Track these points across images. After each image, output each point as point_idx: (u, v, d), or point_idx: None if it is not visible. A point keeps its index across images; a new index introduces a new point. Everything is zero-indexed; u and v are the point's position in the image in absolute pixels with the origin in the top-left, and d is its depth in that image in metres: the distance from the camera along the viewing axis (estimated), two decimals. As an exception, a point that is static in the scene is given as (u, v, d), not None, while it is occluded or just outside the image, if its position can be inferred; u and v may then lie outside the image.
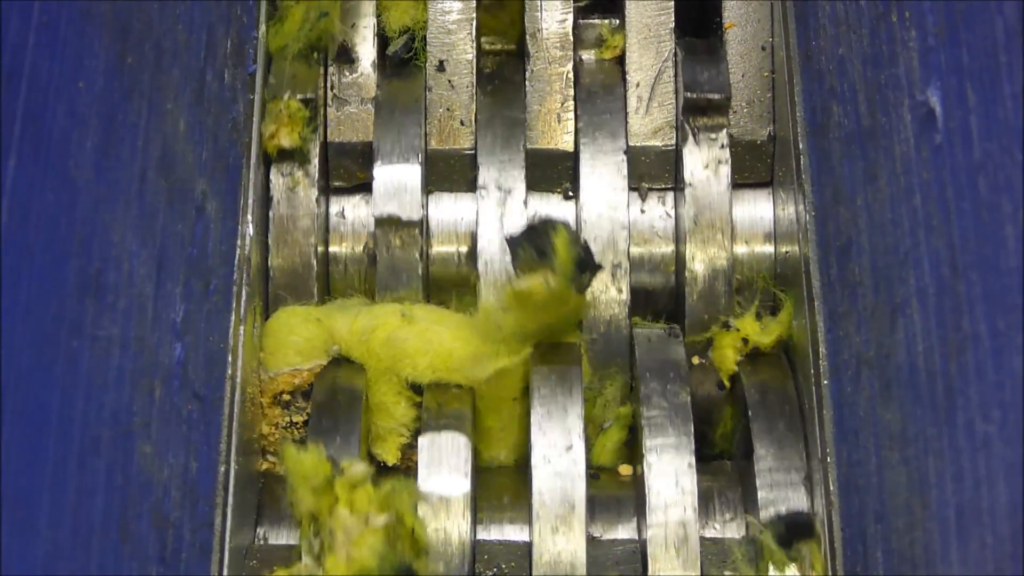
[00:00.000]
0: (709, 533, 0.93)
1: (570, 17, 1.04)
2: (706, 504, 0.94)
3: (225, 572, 0.88)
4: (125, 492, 0.79)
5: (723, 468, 0.97)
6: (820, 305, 0.92)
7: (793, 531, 0.89)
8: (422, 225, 0.99)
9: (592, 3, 1.05)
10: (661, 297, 1.02)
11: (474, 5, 1.04)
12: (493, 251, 0.99)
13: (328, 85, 1.02)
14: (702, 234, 0.98)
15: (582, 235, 0.98)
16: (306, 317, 0.97)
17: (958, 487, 0.73)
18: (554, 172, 1.02)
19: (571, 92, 1.03)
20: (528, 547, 0.92)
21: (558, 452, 0.91)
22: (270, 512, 0.96)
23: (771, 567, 0.89)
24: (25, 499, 0.69)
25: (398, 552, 0.83)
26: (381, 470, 0.97)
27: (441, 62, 1.03)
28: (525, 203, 1.00)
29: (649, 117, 1.03)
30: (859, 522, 0.85)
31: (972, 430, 0.72)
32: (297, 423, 0.97)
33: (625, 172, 1.00)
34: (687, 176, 0.99)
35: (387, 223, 0.99)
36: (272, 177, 1.00)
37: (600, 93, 1.03)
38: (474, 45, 1.03)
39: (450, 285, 1.02)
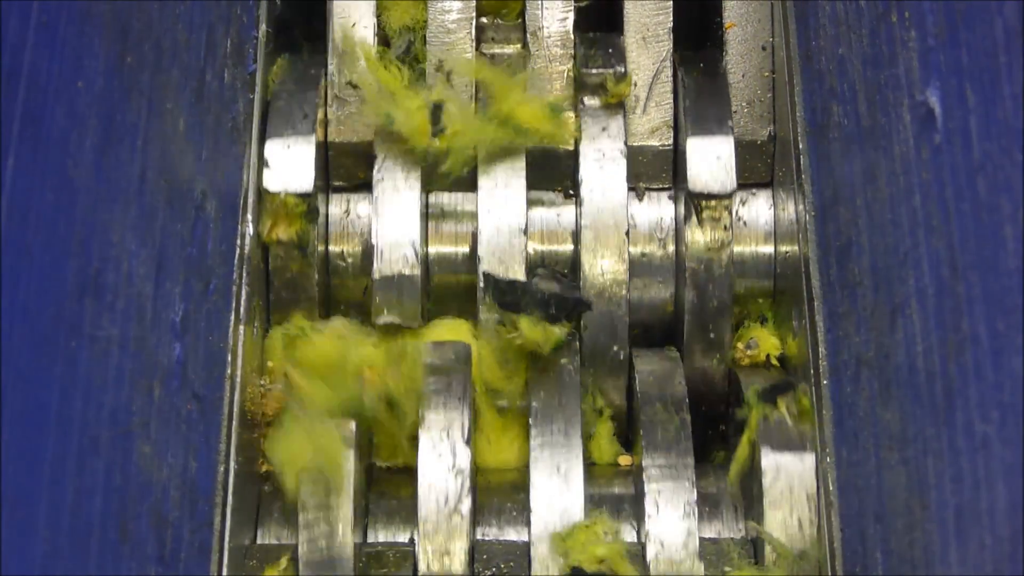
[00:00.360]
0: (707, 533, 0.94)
1: (571, 16, 1.04)
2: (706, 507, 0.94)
3: (224, 572, 0.88)
4: (124, 492, 0.79)
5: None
6: (820, 305, 0.92)
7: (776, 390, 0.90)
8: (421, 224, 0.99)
9: (592, 4, 1.05)
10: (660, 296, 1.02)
11: (473, 5, 1.04)
12: (493, 251, 0.99)
13: (328, 85, 1.02)
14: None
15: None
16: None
17: (957, 488, 0.73)
18: (554, 170, 1.02)
19: (571, 90, 1.03)
20: (527, 547, 0.92)
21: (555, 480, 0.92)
22: (270, 512, 0.96)
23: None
24: (24, 499, 0.69)
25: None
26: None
27: (441, 62, 1.03)
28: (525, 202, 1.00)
29: (647, 117, 1.03)
30: (858, 522, 0.85)
31: (971, 431, 0.72)
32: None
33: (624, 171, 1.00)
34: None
35: (386, 223, 0.99)
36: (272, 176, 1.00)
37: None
38: (474, 44, 1.03)
39: (450, 285, 1.02)
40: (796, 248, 0.96)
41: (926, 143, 0.79)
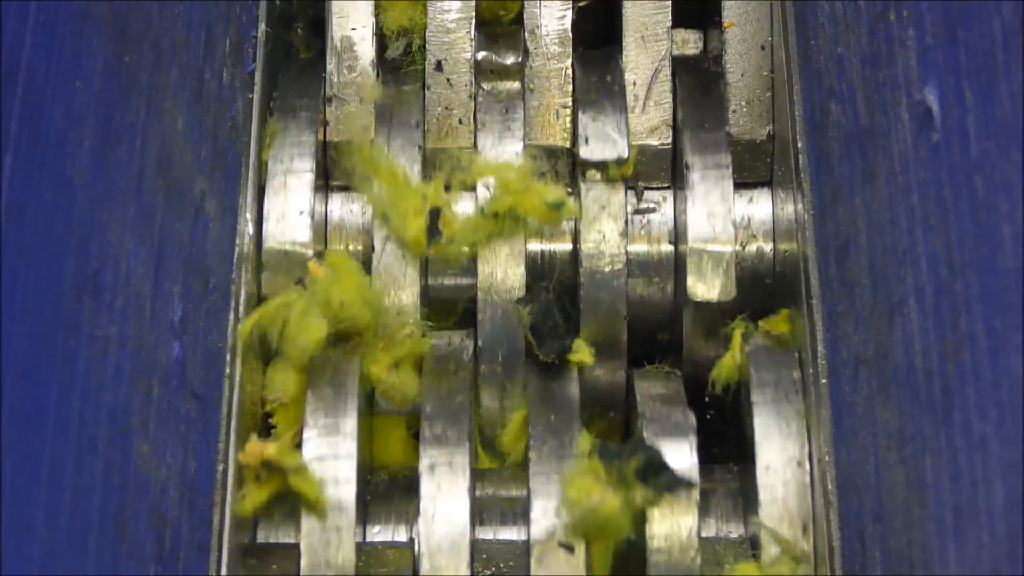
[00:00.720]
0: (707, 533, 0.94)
1: (569, 14, 1.04)
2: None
3: (224, 571, 0.88)
4: (123, 491, 0.79)
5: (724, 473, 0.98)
6: (818, 304, 0.92)
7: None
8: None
9: (591, 3, 1.06)
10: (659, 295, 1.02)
11: (473, 4, 1.04)
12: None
13: (328, 84, 1.02)
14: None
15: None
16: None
17: (955, 486, 0.73)
18: (554, 169, 1.02)
19: (569, 88, 1.03)
20: (526, 546, 0.92)
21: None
22: (269, 511, 0.96)
23: None
24: (22, 498, 0.70)
25: None
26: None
27: (440, 61, 1.03)
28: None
29: (645, 116, 1.03)
30: (857, 522, 0.85)
31: (969, 429, 0.72)
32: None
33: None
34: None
35: (386, 222, 0.99)
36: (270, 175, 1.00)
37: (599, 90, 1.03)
38: (473, 44, 1.03)
39: (449, 284, 1.02)
40: (795, 247, 0.96)
41: (924, 142, 0.79)
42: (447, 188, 0.97)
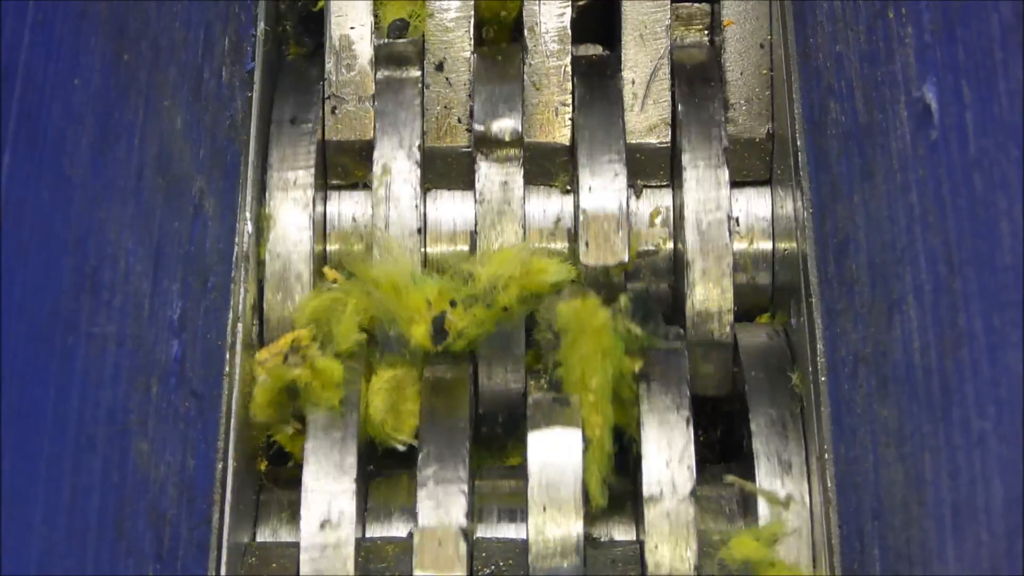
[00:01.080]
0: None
1: (568, 11, 1.04)
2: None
3: (223, 570, 0.88)
4: (121, 490, 0.79)
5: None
6: (817, 302, 0.92)
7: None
8: (420, 223, 0.99)
9: (590, 2, 1.05)
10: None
11: (472, 4, 1.04)
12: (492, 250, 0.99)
13: (326, 83, 1.02)
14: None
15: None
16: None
17: (954, 484, 0.73)
18: (553, 166, 1.02)
19: (569, 86, 1.03)
20: (525, 545, 0.92)
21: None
22: (269, 510, 0.96)
23: None
24: (21, 497, 0.70)
25: None
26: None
27: (440, 61, 1.03)
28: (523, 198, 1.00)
29: (644, 114, 1.03)
30: (856, 519, 0.85)
31: (968, 427, 0.72)
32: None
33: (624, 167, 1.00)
34: None
35: (385, 221, 0.99)
36: (270, 175, 1.00)
37: (598, 88, 1.03)
38: (472, 43, 1.03)
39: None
40: (794, 245, 0.96)
41: (923, 139, 0.79)
42: (452, 304, 0.97)
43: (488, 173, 1.00)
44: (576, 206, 1.00)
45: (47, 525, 0.71)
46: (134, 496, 0.80)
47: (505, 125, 1.01)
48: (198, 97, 0.92)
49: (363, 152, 1.02)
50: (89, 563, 0.75)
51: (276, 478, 0.97)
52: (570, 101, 1.03)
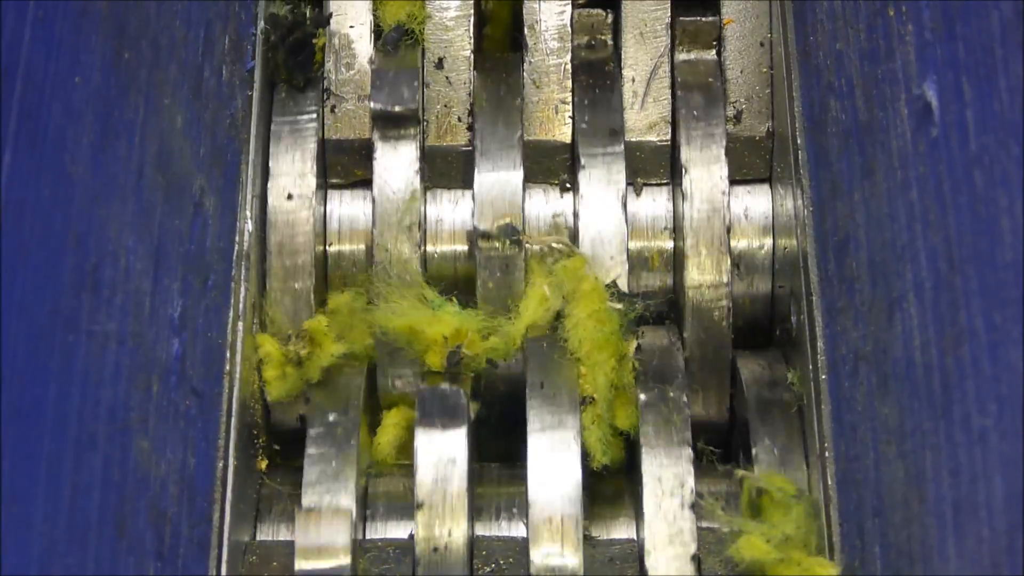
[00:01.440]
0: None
1: (568, 9, 1.04)
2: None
3: (223, 569, 0.88)
4: (122, 488, 0.79)
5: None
6: (818, 300, 0.92)
7: None
8: (420, 223, 0.99)
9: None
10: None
11: (471, 3, 1.04)
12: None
13: (325, 82, 1.02)
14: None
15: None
16: None
17: (955, 481, 0.73)
18: (552, 164, 1.02)
19: (569, 84, 1.03)
20: (526, 543, 0.92)
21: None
22: (270, 509, 0.96)
23: None
24: (21, 495, 0.70)
25: None
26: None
27: (440, 59, 1.03)
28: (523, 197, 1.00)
29: (644, 112, 1.03)
30: (857, 517, 0.85)
31: (969, 424, 0.72)
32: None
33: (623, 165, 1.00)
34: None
35: (385, 219, 0.99)
36: (270, 173, 1.00)
37: (598, 86, 1.03)
38: (472, 41, 1.03)
39: (448, 284, 1.02)
40: (794, 243, 0.96)
41: (923, 137, 0.79)
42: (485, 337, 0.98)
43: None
44: (576, 205, 1.00)
45: (48, 523, 0.71)
46: (135, 494, 0.80)
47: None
48: (198, 95, 0.92)
49: (363, 151, 1.02)
50: (90, 561, 0.75)
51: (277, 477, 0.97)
52: (570, 99, 1.03)
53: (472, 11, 1.04)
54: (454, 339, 0.96)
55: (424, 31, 1.03)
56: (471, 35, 1.03)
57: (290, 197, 0.99)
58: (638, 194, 1.02)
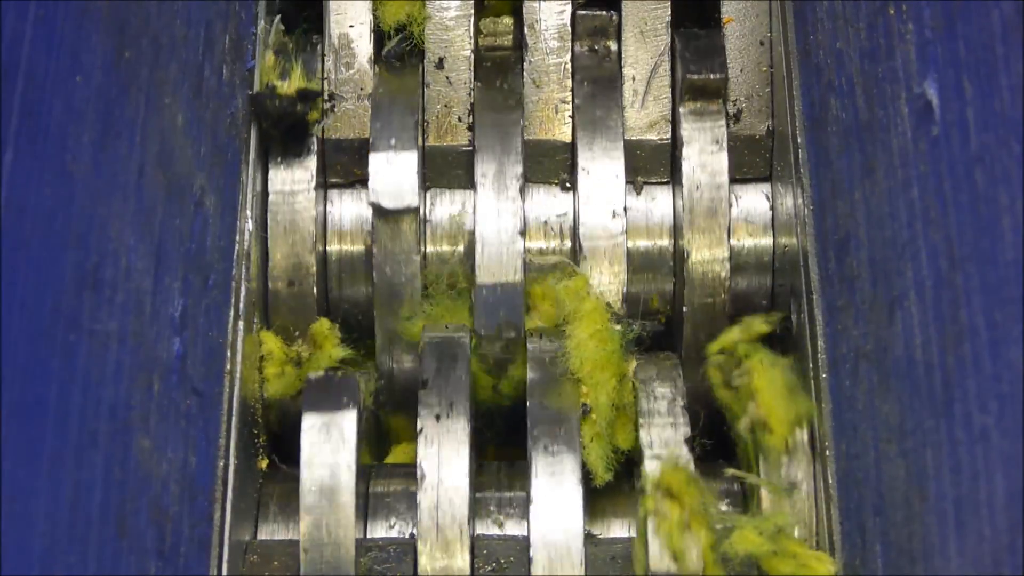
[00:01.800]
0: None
1: (568, 8, 1.04)
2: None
3: (224, 568, 0.88)
4: (123, 487, 0.79)
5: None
6: (818, 299, 0.92)
7: None
8: (419, 222, 0.99)
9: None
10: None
11: (471, 3, 1.04)
12: (491, 247, 0.99)
13: (325, 81, 1.02)
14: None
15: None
16: None
17: (956, 479, 0.73)
18: (552, 163, 1.02)
19: (569, 83, 1.03)
20: (527, 542, 0.92)
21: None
22: (270, 508, 0.96)
23: None
24: (22, 494, 0.69)
25: None
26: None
27: (440, 59, 1.03)
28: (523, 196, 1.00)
29: (645, 111, 1.03)
30: (857, 516, 0.85)
31: (970, 422, 0.72)
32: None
33: (623, 164, 1.00)
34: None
35: (384, 220, 0.99)
36: (271, 173, 1.00)
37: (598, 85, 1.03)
38: (472, 41, 1.03)
39: (448, 283, 1.02)
40: (795, 242, 0.96)
41: (924, 136, 0.79)
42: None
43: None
44: (575, 204, 1.00)
45: (49, 522, 0.71)
46: (136, 493, 0.80)
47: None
48: (199, 95, 0.92)
49: (362, 150, 1.02)
50: (91, 560, 0.75)
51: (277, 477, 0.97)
52: (570, 98, 1.03)
53: (472, 11, 1.04)
54: None
55: (424, 31, 1.03)
56: (471, 35, 1.04)
57: (290, 196, 0.99)
58: (638, 193, 1.02)
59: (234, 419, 0.91)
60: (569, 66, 1.03)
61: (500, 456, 1.03)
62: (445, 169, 1.03)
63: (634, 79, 1.03)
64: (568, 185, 1.02)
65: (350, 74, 1.03)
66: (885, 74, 0.84)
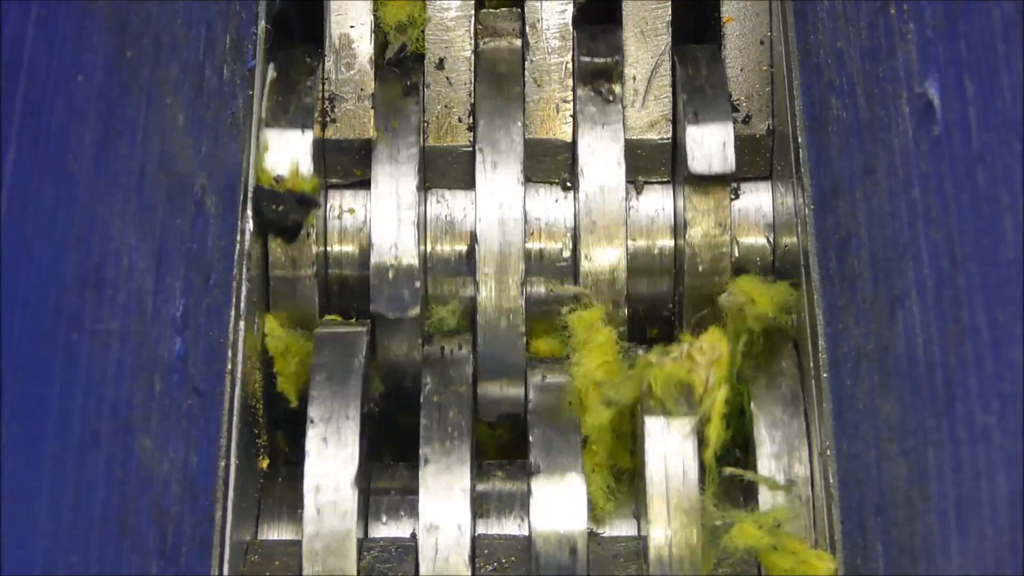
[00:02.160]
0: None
1: (570, 8, 1.04)
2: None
3: (226, 568, 0.88)
4: (125, 486, 0.79)
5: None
6: (819, 298, 0.92)
7: None
8: (419, 222, 1.00)
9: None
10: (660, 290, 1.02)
11: (472, 3, 1.04)
12: (491, 248, 0.99)
13: (325, 82, 1.02)
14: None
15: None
16: None
17: (958, 478, 0.73)
18: (553, 162, 1.02)
19: (570, 83, 1.03)
20: (527, 542, 0.92)
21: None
22: (271, 508, 0.96)
23: None
24: (24, 494, 0.69)
25: None
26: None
27: (440, 59, 1.03)
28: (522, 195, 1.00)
29: (645, 111, 1.03)
30: (859, 515, 0.85)
31: (971, 421, 0.72)
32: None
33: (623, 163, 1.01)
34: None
35: (384, 222, 0.99)
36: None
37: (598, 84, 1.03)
38: (472, 42, 1.03)
39: (448, 282, 1.02)
40: (795, 241, 0.96)
41: (925, 135, 0.79)
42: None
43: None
44: (576, 203, 1.00)
45: (51, 521, 0.71)
46: (137, 493, 0.80)
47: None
48: (200, 94, 0.92)
49: (362, 151, 1.02)
50: (92, 560, 0.75)
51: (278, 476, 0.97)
52: (571, 98, 1.03)
53: (472, 11, 1.04)
54: None
55: (424, 32, 1.03)
56: (471, 35, 1.04)
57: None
58: (639, 192, 1.02)
59: (235, 419, 0.91)
60: (570, 66, 1.03)
61: (501, 456, 1.03)
62: (445, 169, 1.03)
63: (634, 79, 1.03)
64: (569, 184, 1.02)
65: (350, 74, 1.03)
66: (886, 73, 0.84)
